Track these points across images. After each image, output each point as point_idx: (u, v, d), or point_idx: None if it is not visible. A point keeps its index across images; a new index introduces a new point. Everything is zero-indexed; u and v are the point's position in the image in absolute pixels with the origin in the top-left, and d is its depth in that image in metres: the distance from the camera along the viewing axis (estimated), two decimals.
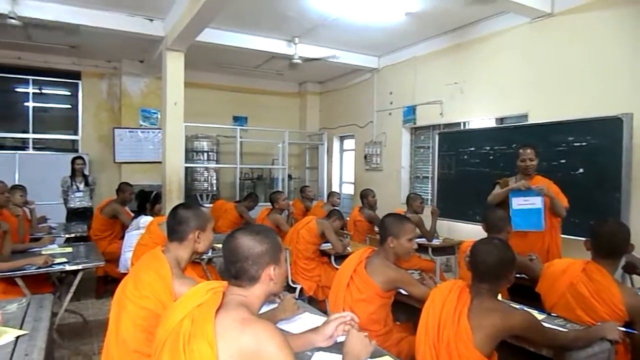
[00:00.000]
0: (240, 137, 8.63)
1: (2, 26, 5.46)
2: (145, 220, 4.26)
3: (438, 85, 6.83)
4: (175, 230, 2.07)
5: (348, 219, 5.66)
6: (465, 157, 5.84)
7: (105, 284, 5.02)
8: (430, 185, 7.22)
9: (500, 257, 1.97)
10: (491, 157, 5.48)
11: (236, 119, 9.57)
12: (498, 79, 5.91)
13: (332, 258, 4.39)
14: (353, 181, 9.19)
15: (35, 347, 1.85)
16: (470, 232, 5.41)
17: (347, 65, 8.05)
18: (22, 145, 8.19)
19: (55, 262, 3.44)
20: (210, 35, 6.22)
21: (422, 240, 4.83)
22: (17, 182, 5.88)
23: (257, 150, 9.63)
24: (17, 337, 1.92)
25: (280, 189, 8.57)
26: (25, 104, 8.15)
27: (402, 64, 7.61)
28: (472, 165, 5.74)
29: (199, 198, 8.53)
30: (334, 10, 5.81)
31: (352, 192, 9.21)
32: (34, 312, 2.25)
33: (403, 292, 2.57)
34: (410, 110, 7.40)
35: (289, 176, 9.40)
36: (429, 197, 7.06)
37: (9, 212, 3.99)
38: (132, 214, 4.99)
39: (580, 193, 4.22)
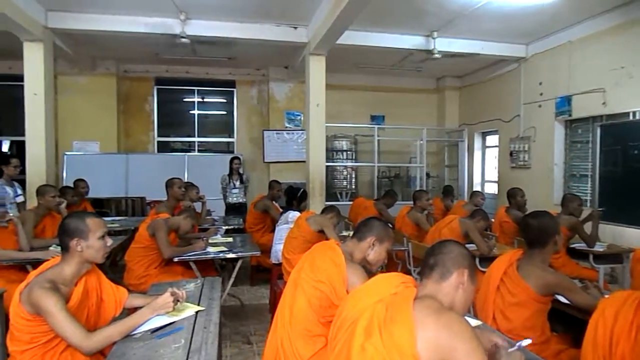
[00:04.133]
0: (378, 136, 8.73)
1: (174, 45, 6.34)
2: (293, 215, 4.57)
3: (599, 71, 6.05)
4: (359, 230, 2.30)
5: (492, 219, 5.35)
6: (636, 152, 5.09)
7: (257, 272, 5.51)
8: (589, 185, 6.45)
9: None
10: None
11: (373, 118, 9.69)
12: None
13: (477, 260, 4.19)
14: (496, 180, 8.63)
15: (211, 321, 2.13)
16: None
17: (491, 56, 7.59)
18: (188, 148, 9.42)
19: (216, 250, 3.91)
20: (349, 37, 6.39)
21: (582, 246, 4.34)
22: (186, 180, 6.77)
23: (394, 148, 9.62)
24: (197, 312, 2.23)
25: (418, 187, 8.45)
26: (191, 111, 9.37)
27: (554, 50, 6.90)
28: None
29: (338, 196, 8.84)
30: None
31: (496, 192, 8.66)
32: (207, 291, 2.59)
33: (561, 299, 2.36)
34: (565, 101, 6.68)
35: (427, 174, 9.21)
36: (588, 198, 6.31)
37: (183, 206, 4.65)
38: (281, 209, 5.40)
39: None
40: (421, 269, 1.63)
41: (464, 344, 1.31)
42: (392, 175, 9.65)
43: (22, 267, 3.59)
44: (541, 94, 7.21)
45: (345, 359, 1.47)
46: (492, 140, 9.04)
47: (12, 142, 8.82)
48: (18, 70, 6.03)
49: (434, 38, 6.81)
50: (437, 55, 6.82)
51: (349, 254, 2.23)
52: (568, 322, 2.45)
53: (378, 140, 8.75)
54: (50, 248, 3.79)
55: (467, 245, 4.18)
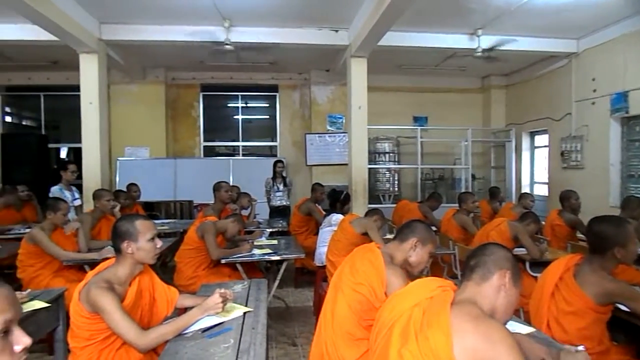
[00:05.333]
0: (421, 137, 8.61)
1: (219, 52, 6.51)
2: (336, 218, 4.58)
3: None
4: (402, 232, 2.27)
5: (543, 222, 5.14)
6: None
7: (302, 274, 5.55)
8: None
9: None
10: None
11: (416, 119, 9.55)
12: None
13: (527, 264, 4.04)
14: (546, 181, 8.30)
15: (259, 322, 2.16)
16: None
17: (539, 52, 7.32)
18: (232, 152, 9.63)
19: (262, 252, 3.97)
20: (391, 38, 6.31)
21: None
22: (231, 184, 6.91)
23: (438, 150, 9.44)
24: (245, 313, 2.28)
25: (463, 189, 8.26)
26: (235, 116, 9.59)
27: (608, 44, 6.56)
28: None
29: (381, 198, 8.77)
30: None
31: (546, 194, 8.31)
32: (254, 293, 2.63)
33: (623, 308, 2.23)
34: (621, 98, 6.33)
35: (473, 176, 8.98)
36: None
37: (230, 209, 4.76)
38: (324, 212, 5.41)
39: None
40: (463, 272, 1.60)
41: (504, 353, 1.26)
42: (436, 177, 9.48)
43: (80, 267, 3.78)
44: (594, 91, 6.87)
45: None
46: (542, 140, 8.70)
47: (69, 149, 9.34)
48: (75, 80, 6.37)
49: (478, 36, 6.64)
50: (481, 54, 6.64)
51: (390, 256, 2.20)
52: (631, 332, 2.31)
53: (421, 141, 8.61)
54: (106, 248, 3.96)
55: (517, 250, 4.09)
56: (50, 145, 8.81)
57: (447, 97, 9.56)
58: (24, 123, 9.66)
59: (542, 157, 8.67)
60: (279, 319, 4.38)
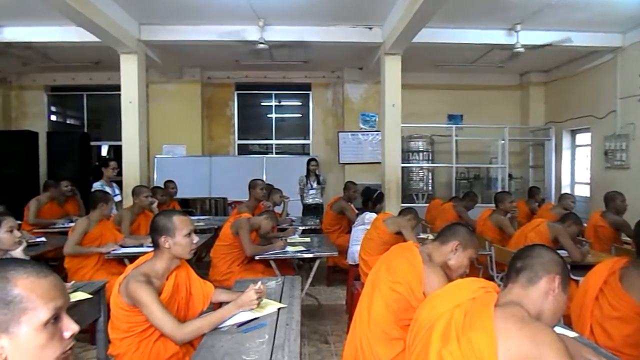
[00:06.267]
0: (456, 136, 8.45)
1: (253, 51, 6.58)
2: (370, 216, 4.55)
3: None
4: (443, 233, 2.24)
5: (585, 224, 4.95)
6: None
7: (334, 273, 5.55)
8: None
9: None
10: None
11: (451, 118, 9.37)
12: None
13: (568, 267, 3.89)
14: (588, 182, 7.98)
15: (293, 319, 2.17)
16: None
17: (581, 48, 7.03)
18: (266, 150, 9.73)
19: (294, 249, 3.99)
20: (426, 35, 6.19)
21: None
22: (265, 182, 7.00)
23: (473, 148, 9.24)
24: (279, 309, 2.29)
25: (499, 189, 8.05)
26: (269, 115, 9.68)
27: None
28: None
29: (414, 198, 8.67)
30: None
31: (588, 194, 8.00)
32: (288, 289, 2.65)
33: None
34: None
35: (510, 175, 8.74)
36: None
37: (263, 206, 4.81)
38: (357, 211, 5.40)
39: None
40: (507, 273, 1.54)
41: (551, 357, 1.21)
42: (471, 177, 9.28)
43: (121, 261, 3.90)
44: None
45: None
46: (583, 138, 8.37)
47: (110, 147, 9.66)
48: (115, 80, 6.58)
49: (516, 31, 6.44)
50: (520, 50, 6.44)
51: (428, 256, 2.17)
52: None
53: (456, 140, 8.45)
54: (109, 244, 4.01)
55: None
56: (92, 143, 9.14)
57: (484, 94, 9.33)
58: (67, 122, 10.05)
59: (584, 156, 8.34)
60: (312, 316, 4.39)
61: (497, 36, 6.61)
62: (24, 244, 2.72)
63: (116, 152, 8.73)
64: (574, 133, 8.67)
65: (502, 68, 8.50)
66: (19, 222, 2.91)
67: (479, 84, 9.24)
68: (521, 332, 1.25)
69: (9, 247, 2.60)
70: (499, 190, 7.77)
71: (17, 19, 6.00)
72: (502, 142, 8.52)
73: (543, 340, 1.23)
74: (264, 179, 7.78)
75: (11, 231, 2.62)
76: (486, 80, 9.21)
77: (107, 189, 5.18)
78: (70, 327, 1.01)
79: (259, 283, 2.23)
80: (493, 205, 5.25)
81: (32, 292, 0.96)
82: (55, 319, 0.98)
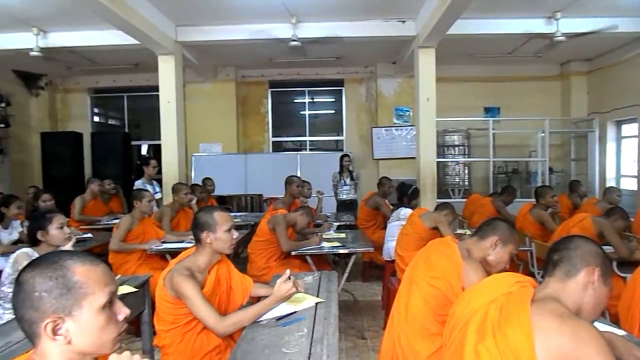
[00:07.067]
0: (493, 129, 8.25)
1: (286, 48, 6.63)
2: (405, 212, 4.52)
3: None
4: (482, 229, 2.21)
5: (633, 219, 4.74)
6: None
7: (369, 268, 5.54)
8: None
9: None
10: None
11: (488, 110, 9.16)
12: None
13: (615, 264, 3.75)
14: (636, 174, 7.63)
15: (331, 313, 2.20)
16: None
17: (626, 34, 6.68)
18: (299, 147, 9.80)
19: (330, 245, 4.01)
20: (461, 26, 6.05)
21: None
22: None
23: (511, 142, 8.99)
24: (317, 304, 2.32)
25: (539, 183, 7.81)
26: (302, 112, 9.75)
27: None
28: None
29: (450, 193, 8.53)
30: None
31: (635, 188, 7.65)
32: (325, 284, 2.68)
33: None
34: None
35: (550, 169, 8.46)
36: None
37: (299, 203, 4.85)
38: (392, 207, 5.36)
39: None
40: (544, 266, 1.50)
41: (593, 354, 1.17)
42: (510, 171, 9.04)
43: (162, 256, 4.04)
44: None
45: None
46: (630, 129, 7.99)
47: (149, 146, 9.97)
48: (154, 81, 6.78)
49: (556, 19, 6.19)
50: (560, 38, 6.20)
51: (467, 252, 2.14)
52: None
53: (493, 133, 8.25)
54: (152, 240, 4.15)
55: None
56: (132, 143, 9.45)
57: (522, 85, 9.05)
58: (109, 122, 10.43)
59: (630, 147, 7.98)
60: (348, 312, 4.41)
61: (535, 25, 6.39)
62: (73, 240, 2.86)
63: (155, 151, 9.01)
64: (619, 124, 8.29)
65: (541, 58, 8.22)
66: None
67: (516, 75, 8.97)
68: (561, 329, 1.22)
69: (59, 242, 2.75)
70: (539, 184, 7.54)
71: (61, 25, 6.27)
72: (542, 134, 8.26)
73: (584, 338, 1.19)
74: (298, 176, 7.89)
75: (61, 227, 2.76)
76: (524, 71, 8.93)
77: (148, 187, 5.36)
78: (123, 311, 1.10)
79: (287, 271, 2.26)
80: (532, 200, 5.11)
81: (89, 278, 1.04)
82: (110, 303, 1.06)
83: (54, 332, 1.00)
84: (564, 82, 9.16)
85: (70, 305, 1.01)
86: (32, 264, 1.06)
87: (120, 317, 1.09)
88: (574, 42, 6.47)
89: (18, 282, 1.03)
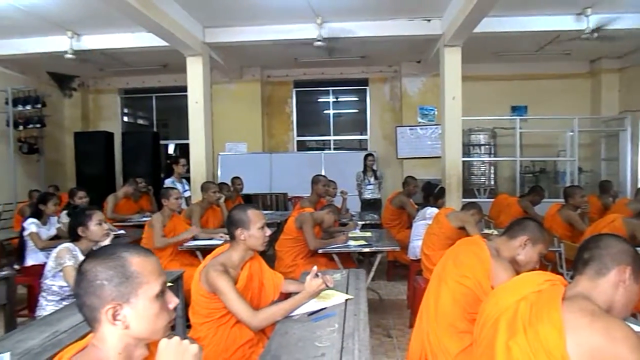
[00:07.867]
0: (520, 128, 8.14)
1: (311, 48, 6.68)
2: (431, 211, 4.52)
3: None
4: (511, 228, 2.22)
5: None
6: None
7: (394, 268, 5.56)
8: None
9: None
10: None
11: (514, 109, 9.03)
12: None
13: None
14: None
15: (360, 309, 2.24)
16: None
17: None
18: (323, 146, 9.86)
19: (356, 243, 4.05)
20: (487, 24, 5.96)
21: None
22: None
23: (539, 141, 8.82)
24: (346, 300, 2.37)
25: (568, 183, 7.67)
26: (326, 111, 9.80)
27: None
28: None
29: (475, 193, 8.45)
30: None
31: None
32: (353, 282, 2.73)
33: None
34: None
35: (579, 169, 8.29)
36: None
37: (325, 201, 4.91)
38: (417, 206, 5.37)
39: None
40: (574, 265, 1.50)
41: (626, 352, 1.17)
42: (537, 171, 8.90)
43: (192, 252, 4.16)
44: None
45: (490, 358, 1.44)
46: None
47: (176, 145, 10.18)
48: (182, 82, 6.93)
49: (586, 16, 6.07)
50: (590, 35, 6.08)
51: (495, 251, 2.15)
52: None
53: (520, 132, 8.14)
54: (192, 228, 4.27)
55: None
56: (161, 142, 9.67)
57: (550, 84, 8.89)
58: (138, 122, 10.70)
59: None
60: (373, 310, 4.41)
61: (564, 22, 6.27)
62: (111, 235, 2.99)
63: (182, 150, 9.19)
64: None
65: (570, 55, 8.08)
66: None
67: (544, 73, 8.82)
68: (593, 326, 1.23)
69: (98, 238, 2.87)
70: (567, 184, 7.41)
71: (94, 28, 6.48)
72: (571, 133, 8.10)
73: (617, 335, 1.19)
74: (324, 175, 7.95)
75: (100, 224, 2.89)
76: (552, 69, 8.76)
77: (178, 185, 5.51)
78: (173, 300, 1.18)
79: (315, 267, 2.33)
80: (560, 200, 5.04)
81: (144, 269, 1.13)
82: (162, 292, 1.15)
83: (114, 317, 1.08)
84: (594, 80, 8.95)
85: (128, 293, 1.10)
86: (92, 256, 1.15)
87: (171, 305, 1.17)
88: (604, 38, 6.33)
89: (80, 272, 1.12)
